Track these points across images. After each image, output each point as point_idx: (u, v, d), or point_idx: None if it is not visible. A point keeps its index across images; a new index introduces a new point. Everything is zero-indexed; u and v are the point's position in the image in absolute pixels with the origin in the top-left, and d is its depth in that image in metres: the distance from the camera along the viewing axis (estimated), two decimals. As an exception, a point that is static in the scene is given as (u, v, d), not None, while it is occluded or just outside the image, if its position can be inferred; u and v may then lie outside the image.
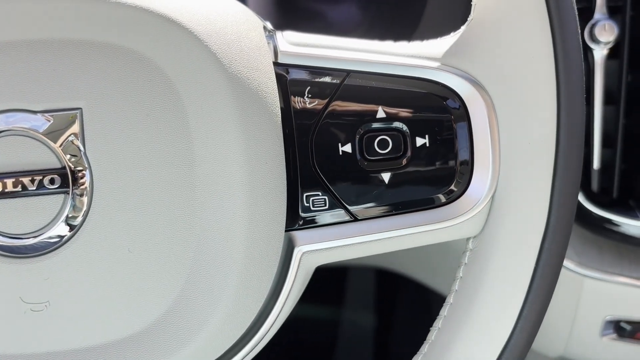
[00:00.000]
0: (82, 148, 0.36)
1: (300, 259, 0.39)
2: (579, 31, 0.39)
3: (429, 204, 0.40)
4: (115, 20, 0.36)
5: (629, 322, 0.64)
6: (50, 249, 0.36)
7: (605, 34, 0.59)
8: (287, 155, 0.39)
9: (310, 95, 0.39)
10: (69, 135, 0.36)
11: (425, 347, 0.41)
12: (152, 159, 0.36)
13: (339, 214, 0.39)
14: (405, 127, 0.39)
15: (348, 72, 0.39)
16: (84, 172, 0.36)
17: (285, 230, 0.39)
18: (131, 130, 0.36)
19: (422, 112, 0.40)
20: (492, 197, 0.39)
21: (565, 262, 0.61)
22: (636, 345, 0.64)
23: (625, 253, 0.63)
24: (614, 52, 0.60)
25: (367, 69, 0.39)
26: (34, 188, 0.36)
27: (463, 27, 0.40)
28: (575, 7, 0.38)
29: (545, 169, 0.38)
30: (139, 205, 0.36)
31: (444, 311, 0.41)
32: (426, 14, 0.70)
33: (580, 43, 0.39)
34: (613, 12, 0.60)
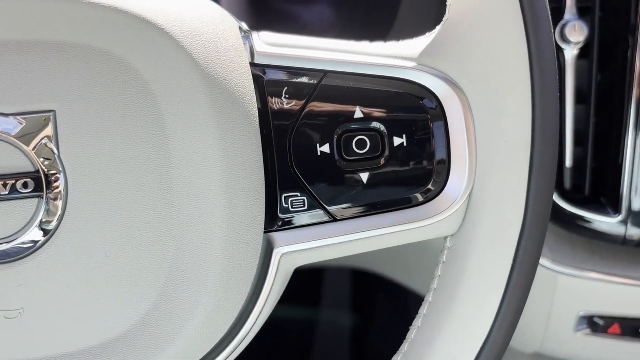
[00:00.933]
0: (56, 151, 0.35)
1: (279, 260, 0.39)
2: (552, 31, 0.39)
3: (407, 203, 0.40)
4: (89, 20, 0.35)
5: (601, 317, 0.65)
6: (24, 254, 0.36)
7: (575, 34, 0.60)
8: (265, 156, 0.38)
9: (287, 96, 0.39)
10: (42, 138, 0.35)
11: (405, 346, 0.41)
12: (127, 162, 0.36)
13: (317, 215, 0.39)
14: (382, 127, 0.39)
15: (325, 73, 0.39)
16: (58, 175, 0.35)
17: (264, 232, 0.39)
18: (106, 133, 0.36)
19: (399, 111, 0.40)
20: (469, 195, 0.40)
21: (540, 260, 0.62)
22: (609, 339, 0.65)
23: (597, 249, 0.64)
24: (584, 52, 0.61)
25: (344, 69, 0.39)
26: (7, 192, 0.35)
27: (438, 27, 0.41)
28: (548, 8, 0.39)
29: (521, 166, 0.39)
30: (115, 209, 0.36)
31: (423, 309, 0.41)
32: (400, 15, 0.71)
33: (554, 43, 0.39)
34: (582, 12, 0.61)
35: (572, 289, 0.64)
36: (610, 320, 0.65)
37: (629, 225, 0.61)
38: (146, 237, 0.36)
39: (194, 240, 0.37)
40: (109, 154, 0.36)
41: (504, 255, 0.39)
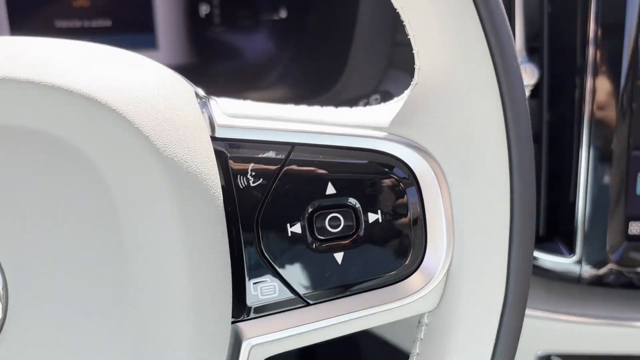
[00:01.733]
0: None
1: (249, 353, 0.36)
2: (526, 95, 0.38)
3: (383, 281, 0.38)
4: (31, 101, 0.31)
5: (559, 356, 0.65)
6: None
7: (527, 77, 0.60)
8: (230, 239, 0.35)
9: (253, 173, 0.36)
10: (-24, 238, 0.31)
11: None
12: (77, 258, 0.32)
13: (289, 301, 0.36)
14: (356, 203, 0.37)
15: (293, 145, 0.36)
16: None
17: (232, 322, 0.35)
18: (52, 227, 0.31)
19: (372, 185, 0.37)
20: (448, 270, 0.38)
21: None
22: (567, 378, 0.65)
23: (553, 289, 0.64)
24: (534, 92, 0.61)
25: (313, 141, 0.36)
26: None
27: (407, 92, 0.39)
28: (522, 72, 0.38)
29: (500, 238, 0.37)
30: (64, 312, 0.32)
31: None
32: (351, 52, 0.68)
33: (528, 107, 0.38)
34: (531, 52, 0.61)
35: (529, 329, 0.63)
36: (567, 358, 0.65)
37: (583, 264, 0.62)
38: (101, 342, 0.32)
39: (156, 340, 0.33)
40: (55, 251, 0.31)
41: (487, 333, 0.38)
